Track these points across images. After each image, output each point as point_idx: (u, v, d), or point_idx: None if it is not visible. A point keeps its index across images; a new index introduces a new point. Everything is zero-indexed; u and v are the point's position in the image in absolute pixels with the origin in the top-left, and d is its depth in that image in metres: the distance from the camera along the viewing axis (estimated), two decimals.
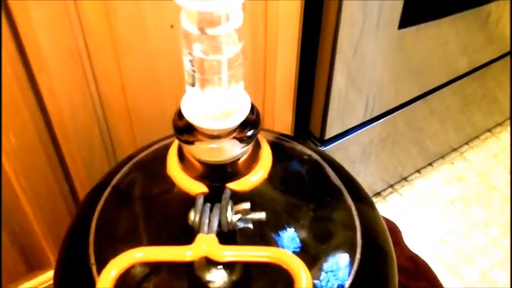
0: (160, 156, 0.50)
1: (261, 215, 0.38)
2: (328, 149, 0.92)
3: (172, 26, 0.61)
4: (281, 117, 0.84)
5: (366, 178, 1.09)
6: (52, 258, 0.76)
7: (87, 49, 0.58)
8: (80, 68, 0.59)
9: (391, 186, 1.19)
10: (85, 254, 0.43)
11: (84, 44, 0.57)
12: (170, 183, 0.42)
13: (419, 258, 0.94)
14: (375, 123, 0.97)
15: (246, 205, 0.38)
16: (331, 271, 0.42)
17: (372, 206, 0.53)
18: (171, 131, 0.52)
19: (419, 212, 1.15)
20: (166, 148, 0.45)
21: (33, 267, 0.76)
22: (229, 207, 0.37)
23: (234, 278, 0.40)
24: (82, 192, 0.70)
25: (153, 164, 0.51)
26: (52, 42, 0.55)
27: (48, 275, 0.77)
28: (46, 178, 0.66)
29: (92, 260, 0.42)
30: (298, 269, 0.33)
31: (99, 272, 0.41)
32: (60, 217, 0.71)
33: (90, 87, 0.61)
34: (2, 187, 0.64)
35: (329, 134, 0.90)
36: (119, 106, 0.65)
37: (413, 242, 1.06)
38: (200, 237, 0.35)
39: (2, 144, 0.60)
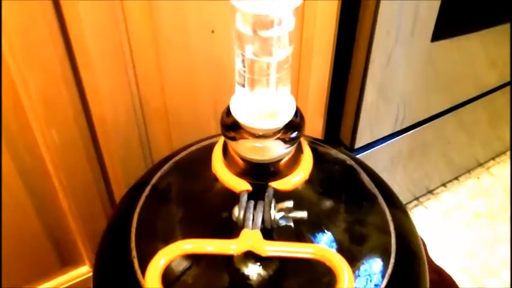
0: (199, 157, 0.51)
1: (303, 214, 0.39)
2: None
3: (213, 31, 0.63)
4: (312, 124, 0.85)
5: (393, 189, 1.09)
6: (85, 254, 0.77)
7: (130, 48, 0.59)
8: (123, 67, 0.60)
9: (417, 198, 1.19)
10: (127, 248, 0.44)
11: (128, 44, 0.59)
12: (211, 181, 0.43)
13: (444, 271, 0.94)
14: (403, 134, 0.98)
15: (289, 203, 0.39)
16: (366, 274, 0.43)
17: (405, 212, 0.54)
18: (206, 134, 0.54)
19: (444, 225, 1.15)
20: (206, 149, 0.46)
21: (66, 262, 0.77)
22: (272, 205, 0.38)
23: (271, 273, 0.41)
24: (118, 191, 0.71)
25: (192, 164, 0.52)
26: (98, 41, 0.57)
27: (80, 271, 0.79)
28: (84, 175, 0.68)
29: (134, 253, 0.44)
30: (341, 267, 0.34)
31: (140, 265, 0.43)
32: (95, 214, 0.72)
33: (131, 87, 0.62)
34: (42, 181, 0.66)
35: (359, 143, 0.91)
36: (157, 107, 0.66)
37: (438, 255, 1.06)
38: (245, 232, 0.37)
39: (44, 138, 0.62)
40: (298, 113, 0.40)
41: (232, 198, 0.40)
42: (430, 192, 1.21)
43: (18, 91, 0.57)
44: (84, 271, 0.79)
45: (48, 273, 0.77)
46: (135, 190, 0.51)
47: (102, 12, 0.55)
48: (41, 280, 0.77)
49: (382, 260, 0.44)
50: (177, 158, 0.53)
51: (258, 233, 0.37)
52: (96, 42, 0.57)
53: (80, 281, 0.78)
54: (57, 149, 0.64)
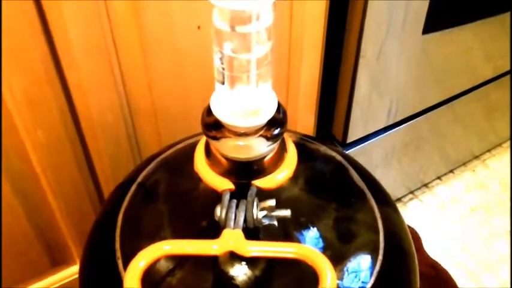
0: (185, 155, 0.50)
1: (286, 213, 0.38)
2: (350, 152, 0.92)
3: (199, 27, 0.62)
4: (303, 120, 0.84)
5: (387, 183, 1.08)
6: (75, 253, 0.77)
7: (116, 47, 0.59)
8: (108, 65, 0.60)
9: (412, 192, 1.19)
10: (111, 249, 0.44)
11: (113, 42, 0.58)
12: (195, 180, 0.43)
13: (440, 265, 0.94)
14: (397, 128, 0.97)
15: (272, 202, 0.38)
16: (354, 272, 0.43)
17: (394, 209, 0.53)
18: (195, 131, 0.53)
19: (439, 219, 1.15)
20: (192, 147, 0.46)
21: (56, 262, 0.77)
22: (255, 204, 0.38)
23: (256, 273, 0.40)
24: (107, 190, 0.70)
25: (178, 162, 0.52)
26: (82, 39, 0.56)
27: (71, 270, 0.78)
28: (72, 174, 0.67)
29: (118, 254, 0.43)
30: (324, 267, 0.33)
31: (124, 266, 0.42)
32: (85, 213, 0.72)
33: (117, 85, 0.62)
34: (30, 182, 0.65)
35: (351, 137, 0.91)
36: (145, 105, 0.66)
37: (434, 249, 1.06)
38: (226, 232, 0.36)
39: (31, 139, 0.61)
40: (280, 109, 0.39)
41: (216, 197, 0.40)
42: (425, 185, 1.21)
43: (3, 92, 0.56)
44: (75, 270, 0.78)
45: (39, 273, 0.77)
46: (121, 189, 0.51)
47: (85, 10, 0.55)
48: (32, 280, 0.77)
49: (371, 258, 0.44)
50: (163, 156, 0.53)
51: (239, 233, 0.36)
52: (80, 41, 0.56)
53: (71, 280, 0.78)
54: (44, 150, 0.63)
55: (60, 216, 0.71)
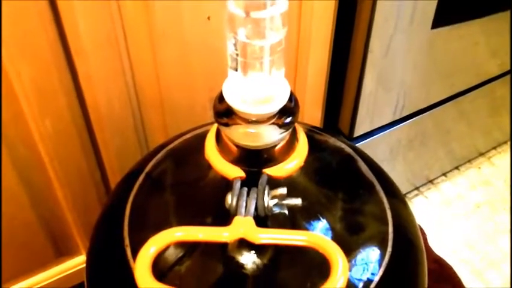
0: (193, 145, 0.50)
1: (297, 201, 0.38)
2: None
3: (209, 18, 0.62)
4: (310, 114, 0.84)
5: (392, 179, 1.08)
6: (80, 244, 0.77)
7: (125, 37, 0.59)
8: (117, 55, 0.59)
9: (417, 188, 1.19)
10: (119, 236, 0.44)
11: (122, 32, 0.58)
12: (204, 170, 0.43)
13: (444, 261, 0.93)
14: (403, 123, 0.97)
15: (283, 190, 0.38)
16: (362, 263, 0.42)
17: (403, 201, 0.53)
18: (201, 122, 0.53)
19: (444, 215, 1.14)
20: (199, 137, 0.46)
21: (61, 252, 0.77)
22: (266, 192, 0.38)
23: (265, 262, 0.40)
24: (113, 180, 0.70)
25: (186, 152, 0.51)
26: (92, 29, 0.56)
27: (76, 261, 0.78)
28: (79, 165, 0.67)
29: (127, 241, 0.43)
30: (335, 254, 0.33)
31: (133, 253, 0.42)
32: (91, 204, 0.72)
33: (126, 75, 0.62)
34: (36, 171, 0.65)
35: (358, 132, 0.90)
36: (152, 95, 0.65)
37: (438, 245, 1.05)
38: (237, 220, 0.36)
39: (38, 128, 0.61)
40: (292, 98, 0.39)
41: (226, 185, 0.40)
42: (431, 181, 1.20)
43: (11, 80, 0.56)
44: (80, 261, 0.78)
45: (44, 264, 0.77)
46: (129, 178, 0.51)
47: (95, 0, 0.54)
48: (36, 270, 0.77)
49: (379, 249, 0.44)
50: (170, 146, 0.52)
51: (250, 220, 0.36)
52: (89, 30, 0.56)
53: (76, 270, 0.78)
54: (51, 139, 0.63)
55: (66, 206, 0.71)
